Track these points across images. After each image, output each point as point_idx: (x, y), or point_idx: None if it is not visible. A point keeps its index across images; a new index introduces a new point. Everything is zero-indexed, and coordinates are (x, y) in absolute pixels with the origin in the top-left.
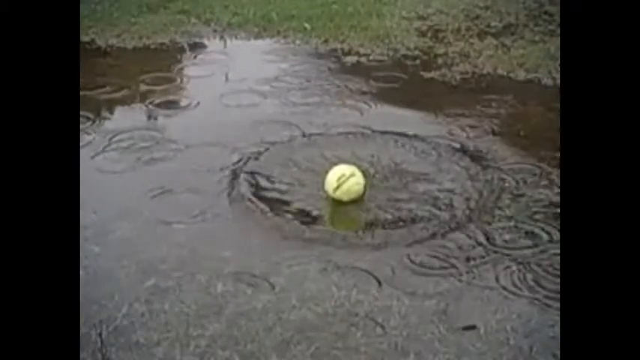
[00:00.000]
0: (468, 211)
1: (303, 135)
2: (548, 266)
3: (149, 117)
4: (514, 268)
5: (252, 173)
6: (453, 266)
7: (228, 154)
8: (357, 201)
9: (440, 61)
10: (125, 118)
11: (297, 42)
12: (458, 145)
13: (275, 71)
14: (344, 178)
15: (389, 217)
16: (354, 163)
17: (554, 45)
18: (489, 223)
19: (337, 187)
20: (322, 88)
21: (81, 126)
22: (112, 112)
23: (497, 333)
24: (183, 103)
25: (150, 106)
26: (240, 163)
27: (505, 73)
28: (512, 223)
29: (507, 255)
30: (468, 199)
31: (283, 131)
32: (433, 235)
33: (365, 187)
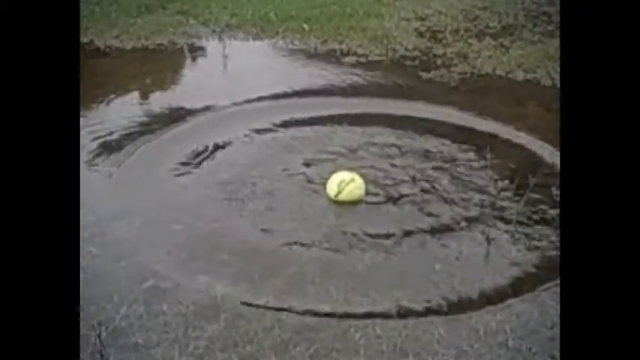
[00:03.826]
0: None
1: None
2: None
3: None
4: (515, 268)
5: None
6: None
7: None
8: (358, 204)
9: (439, 61)
10: (125, 118)
11: (296, 42)
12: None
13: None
14: (344, 184)
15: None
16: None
17: (552, 45)
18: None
19: (338, 192)
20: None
21: (80, 126)
22: (111, 113)
23: (496, 334)
24: (182, 103)
25: (148, 106)
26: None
27: (504, 74)
28: (511, 224)
29: (508, 254)
30: (465, 199)
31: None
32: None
33: (365, 192)
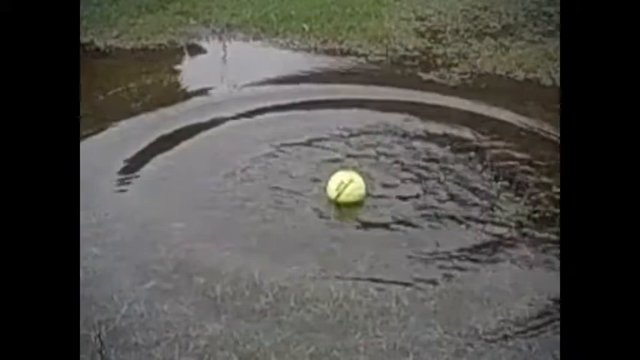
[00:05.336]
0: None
1: None
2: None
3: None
4: (515, 267)
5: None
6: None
7: None
8: (360, 204)
9: (439, 61)
10: (124, 118)
11: (296, 42)
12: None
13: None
14: (342, 186)
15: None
16: None
17: (552, 45)
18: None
19: (338, 195)
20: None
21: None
22: (111, 113)
23: (495, 334)
24: (182, 104)
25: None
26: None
27: (504, 74)
28: (512, 223)
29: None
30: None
31: None
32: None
33: (366, 191)
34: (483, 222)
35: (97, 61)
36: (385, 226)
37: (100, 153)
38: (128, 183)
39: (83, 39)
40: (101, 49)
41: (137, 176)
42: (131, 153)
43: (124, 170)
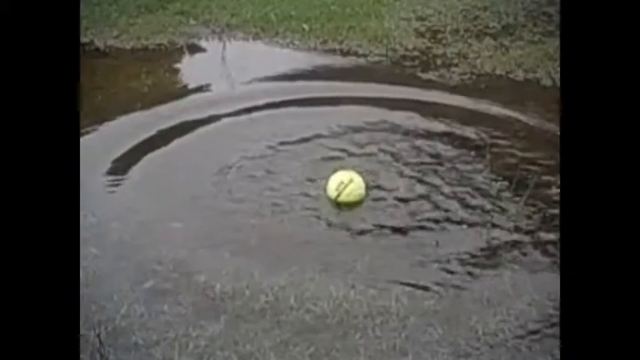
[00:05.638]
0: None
1: None
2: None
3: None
4: (515, 267)
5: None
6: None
7: None
8: (360, 204)
9: (438, 61)
10: (125, 118)
11: (296, 42)
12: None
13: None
14: (342, 186)
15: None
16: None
17: (552, 45)
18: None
19: (338, 195)
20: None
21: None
22: (111, 112)
23: (495, 334)
24: (180, 101)
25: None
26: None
27: (504, 74)
28: (512, 223)
29: (508, 255)
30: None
31: None
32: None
33: (366, 191)
34: (484, 222)
35: (96, 61)
36: (385, 225)
37: (99, 152)
38: (126, 182)
39: (83, 39)
40: (101, 49)
41: (133, 176)
42: (128, 151)
43: (123, 170)
